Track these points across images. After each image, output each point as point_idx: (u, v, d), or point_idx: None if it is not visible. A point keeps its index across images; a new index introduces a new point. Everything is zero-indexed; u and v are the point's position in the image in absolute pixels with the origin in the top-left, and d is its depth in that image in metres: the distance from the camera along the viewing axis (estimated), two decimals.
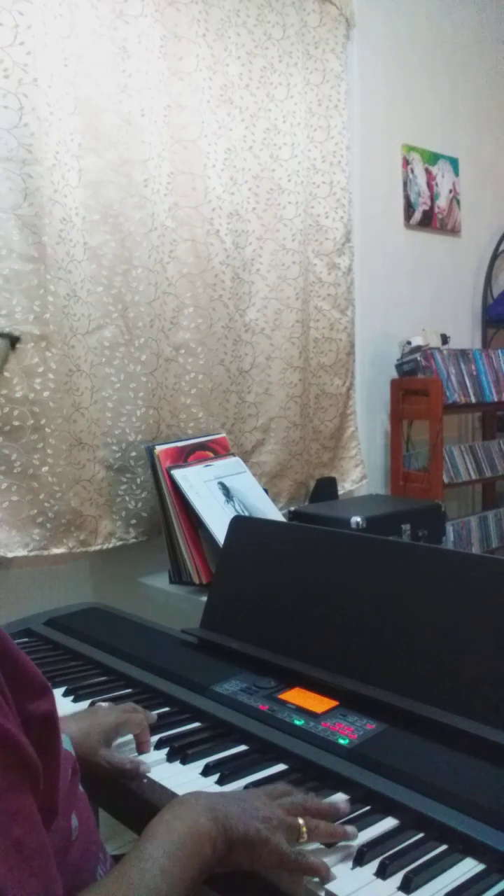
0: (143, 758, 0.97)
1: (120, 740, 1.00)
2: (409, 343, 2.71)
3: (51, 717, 0.67)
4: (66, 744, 0.80)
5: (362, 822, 0.80)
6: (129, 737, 1.00)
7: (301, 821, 0.76)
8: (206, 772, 0.93)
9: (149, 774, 0.93)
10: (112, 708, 1.03)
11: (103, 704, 1.08)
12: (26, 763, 0.60)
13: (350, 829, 0.77)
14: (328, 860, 0.74)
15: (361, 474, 2.56)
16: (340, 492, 2.43)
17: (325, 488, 2.35)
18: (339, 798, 0.81)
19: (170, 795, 0.88)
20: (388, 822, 0.81)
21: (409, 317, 2.81)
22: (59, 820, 0.72)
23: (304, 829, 0.75)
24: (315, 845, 0.76)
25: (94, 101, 1.81)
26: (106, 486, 1.88)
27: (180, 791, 0.87)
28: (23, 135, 1.65)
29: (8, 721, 0.59)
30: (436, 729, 0.95)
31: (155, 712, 1.07)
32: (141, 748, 0.99)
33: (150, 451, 1.80)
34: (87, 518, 1.81)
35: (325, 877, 0.72)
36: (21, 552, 1.71)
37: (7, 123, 1.63)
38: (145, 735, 1.00)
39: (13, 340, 0.81)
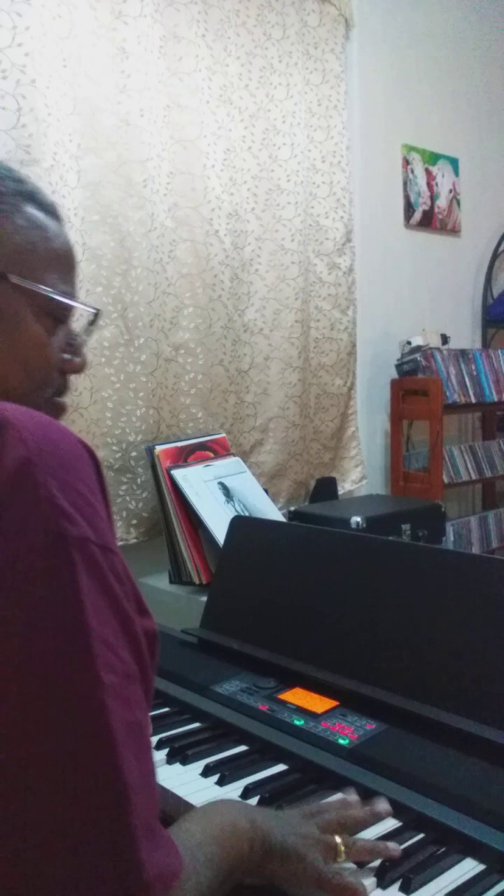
0: None
1: None
2: (409, 343, 2.71)
3: (156, 638, 0.63)
4: None
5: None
6: None
7: (339, 839, 0.72)
8: (206, 772, 0.92)
9: None
10: None
11: None
12: (141, 660, 0.57)
13: (392, 845, 0.74)
14: None
15: (361, 474, 2.56)
16: (340, 492, 2.43)
17: (325, 488, 2.35)
18: (379, 801, 0.79)
19: (170, 796, 0.87)
20: (388, 823, 0.81)
21: (409, 317, 2.81)
22: None
23: (342, 848, 0.72)
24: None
25: (93, 102, 1.80)
26: None
27: (180, 792, 0.87)
28: (21, 136, 1.65)
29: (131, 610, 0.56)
30: (436, 729, 0.95)
31: (155, 712, 1.07)
32: None
33: (150, 451, 1.80)
34: None
35: None
36: None
37: (5, 125, 1.63)
38: None
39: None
